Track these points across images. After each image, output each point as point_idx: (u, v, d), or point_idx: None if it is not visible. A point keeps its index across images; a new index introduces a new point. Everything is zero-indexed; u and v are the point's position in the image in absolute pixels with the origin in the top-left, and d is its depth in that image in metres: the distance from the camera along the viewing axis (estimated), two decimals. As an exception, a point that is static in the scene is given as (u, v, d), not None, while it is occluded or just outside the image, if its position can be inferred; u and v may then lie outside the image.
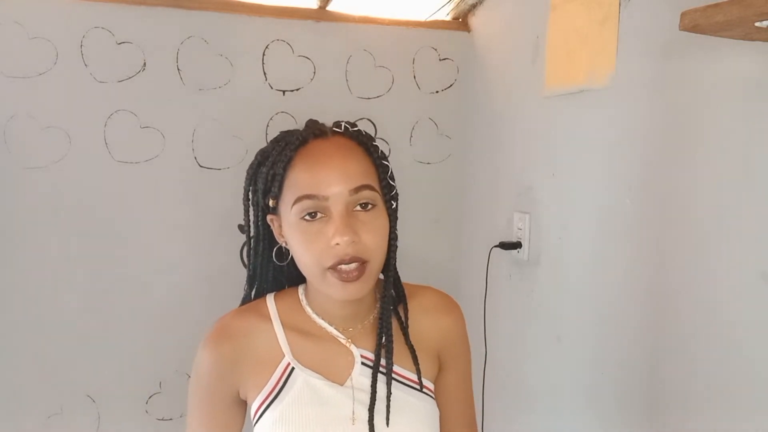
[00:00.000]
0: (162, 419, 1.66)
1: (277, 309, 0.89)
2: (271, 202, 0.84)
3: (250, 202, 0.89)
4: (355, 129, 0.86)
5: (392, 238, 0.86)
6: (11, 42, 1.45)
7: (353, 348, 0.88)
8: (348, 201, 0.79)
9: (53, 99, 1.50)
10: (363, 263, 0.79)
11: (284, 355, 0.85)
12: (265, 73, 1.65)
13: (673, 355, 1.07)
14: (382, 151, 0.87)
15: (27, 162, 1.50)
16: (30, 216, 1.52)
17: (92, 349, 1.58)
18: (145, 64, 1.55)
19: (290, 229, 0.82)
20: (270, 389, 0.84)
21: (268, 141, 0.90)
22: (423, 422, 0.87)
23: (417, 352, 0.90)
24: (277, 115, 1.65)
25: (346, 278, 0.79)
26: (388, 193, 0.86)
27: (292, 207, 0.80)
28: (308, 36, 1.67)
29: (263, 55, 1.64)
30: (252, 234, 0.91)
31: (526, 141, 1.52)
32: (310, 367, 0.85)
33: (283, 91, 1.67)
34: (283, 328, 0.87)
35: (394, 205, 0.87)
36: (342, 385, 0.85)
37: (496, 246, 1.55)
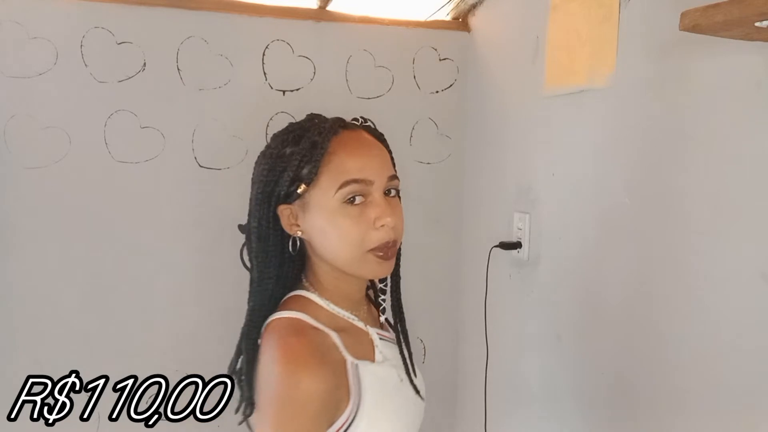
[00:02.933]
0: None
1: (310, 315, 0.87)
2: (300, 188, 0.85)
3: (263, 195, 0.87)
4: (368, 124, 0.94)
5: None
6: (11, 42, 1.45)
7: (369, 329, 0.94)
8: (385, 187, 0.87)
9: (53, 99, 1.49)
10: (395, 243, 0.88)
11: (346, 359, 0.86)
12: (265, 73, 1.65)
13: (673, 355, 1.07)
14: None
15: (27, 162, 1.49)
16: (30, 216, 1.51)
17: (92, 349, 1.57)
18: (145, 64, 1.55)
19: (328, 213, 0.85)
20: (354, 398, 0.83)
21: (269, 139, 0.90)
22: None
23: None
24: (277, 115, 1.64)
25: (384, 256, 0.86)
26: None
27: (336, 191, 0.83)
28: (308, 36, 1.67)
29: (263, 55, 1.64)
30: (262, 228, 0.88)
31: (526, 141, 1.52)
32: (360, 358, 0.88)
33: (283, 91, 1.67)
34: (334, 331, 0.87)
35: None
36: (375, 361, 0.91)
37: (496, 246, 1.55)
